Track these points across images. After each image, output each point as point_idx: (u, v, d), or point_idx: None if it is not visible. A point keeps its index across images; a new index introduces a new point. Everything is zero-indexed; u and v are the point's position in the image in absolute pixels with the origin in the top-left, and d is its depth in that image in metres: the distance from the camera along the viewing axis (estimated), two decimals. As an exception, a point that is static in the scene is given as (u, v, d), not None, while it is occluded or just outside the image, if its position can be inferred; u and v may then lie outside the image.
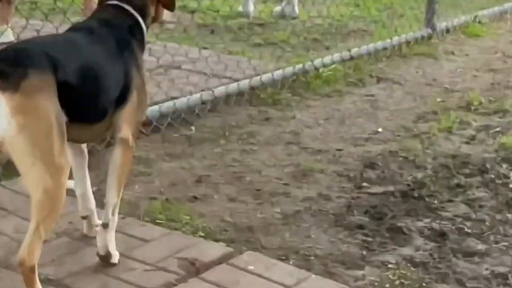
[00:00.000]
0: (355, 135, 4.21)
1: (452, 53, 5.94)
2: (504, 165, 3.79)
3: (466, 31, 6.48)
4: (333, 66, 5.19)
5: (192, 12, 6.39)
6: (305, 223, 3.21)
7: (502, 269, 2.92)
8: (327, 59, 5.23)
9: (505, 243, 3.08)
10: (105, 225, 2.72)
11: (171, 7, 2.82)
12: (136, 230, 3.01)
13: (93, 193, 2.92)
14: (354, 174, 3.68)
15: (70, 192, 3.09)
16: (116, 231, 2.95)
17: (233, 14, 6.55)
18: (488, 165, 3.78)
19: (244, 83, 4.66)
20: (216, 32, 6.04)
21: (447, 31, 6.38)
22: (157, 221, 3.13)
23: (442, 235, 3.14)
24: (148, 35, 2.80)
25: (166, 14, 2.93)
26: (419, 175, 3.66)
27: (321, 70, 5.11)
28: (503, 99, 4.78)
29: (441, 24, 6.30)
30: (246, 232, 3.12)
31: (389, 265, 2.91)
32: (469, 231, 3.17)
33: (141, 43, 2.74)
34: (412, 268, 2.90)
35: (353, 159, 3.86)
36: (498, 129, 4.28)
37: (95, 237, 2.88)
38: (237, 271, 2.78)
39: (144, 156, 3.81)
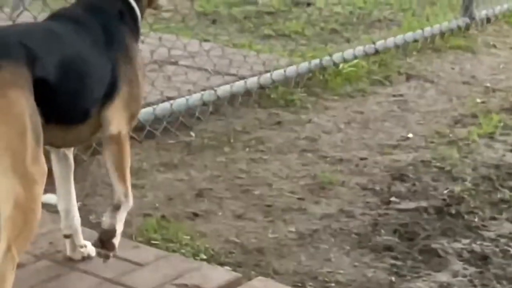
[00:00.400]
0: (382, 141, 4.22)
1: (494, 46, 5.95)
2: (556, 177, 3.80)
3: (510, 21, 6.49)
4: (355, 61, 5.21)
5: (192, -2, 6.43)
6: (324, 244, 3.22)
7: (554, 298, 2.92)
8: (348, 53, 5.24)
9: (558, 268, 3.09)
10: (116, 207, 2.73)
11: None
12: (128, 253, 3.01)
13: (78, 208, 2.93)
14: (381, 187, 3.69)
15: (51, 208, 3.12)
16: (105, 253, 2.97)
17: (239, 1, 6.58)
18: (537, 177, 3.79)
19: (252, 81, 4.68)
20: (219, 22, 6.07)
21: (488, 20, 6.39)
22: (152, 241, 3.14)
23: (484, 259, 3.14)
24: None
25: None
26: (457, 189, 3.67)
27: (341, 66, 5.13)
28: (554, 99, 4.79)
29: (480, 13, 6.31)
30: (256, 254, 3.12)
31: (422, 294, 2.92)
32: (515, 253, 3.18)
33: (135, 30, 2.75)
34: (449, 297, 2.91)
35: (380, 170, 3.87)
36: (548, 134, 4.29)
37: (80, 260, 2.89)
38: (245, 300, 2.79)
39: (136, 166, 3.82)
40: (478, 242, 3.24)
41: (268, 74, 4.77)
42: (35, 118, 2.33)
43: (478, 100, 4.82)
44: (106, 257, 2.75)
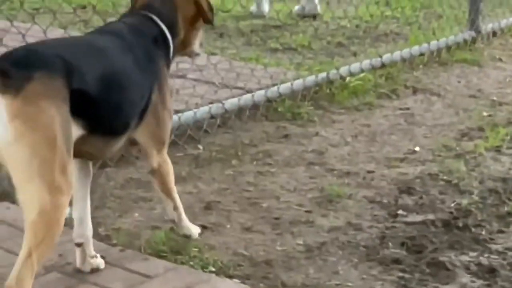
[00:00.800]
0: (389, 155, 4.23)
1: (500, 59, 5.97)
2: (563, 190, 3.80)
3: (516, 34, 6.52)
4: (362, 74, 5.23)
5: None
6: (332, 256, 3.23)
7: (561, 311, 2.92)
8: (354, 66, 5.27)
9: None
10: (173, 221, 3.18)
11: (210, 19, 3.07)
12: (137, 265, 3.03)
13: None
14: (388, 200, 3.70)
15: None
16: (114, 265, 3.00)
17: (246, 15, 6.61)
18: (544, 190, 3.79)
19: (259, 95, 4.70)
20: (226, 36, 6.09)
21: (494, 34, 6.42)
22: (161, 254, 3.15)
23: (491, 271, 3.14)
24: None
25: (198, 46, 3.17)
26: (464, 202, 3.68)
27: (347, 79, 5.15)
28: (560, 113, 4.80)
29: (486, 26, 6.34)
30: (264, 267, 3.13)
31: (430, 306, 2.93)
32: (523, 266, 3.18)
33: (167, 58, 2.92)
34: (457, 310, 2.92)
35: (387, 183, 3.88)
36: (555, 148, 4.30)
37: (89, 273, 2.91)
38: (254, 312, 2.80)
39: (144, 179, 3.84)
40: (486, 255, 3.24)
41: (275, 88, 4.80)
42: (68, 129, 2.40)
43: (485, 114, 4.83)
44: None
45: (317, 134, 4.48)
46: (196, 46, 3.17)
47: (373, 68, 5.36)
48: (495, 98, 5.11)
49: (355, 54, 5.74)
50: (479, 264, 3.18)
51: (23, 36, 3.84)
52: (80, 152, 2.58)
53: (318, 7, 6.81)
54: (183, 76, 4.95)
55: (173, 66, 4.66)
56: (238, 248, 3.25)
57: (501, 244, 3.34)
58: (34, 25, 3.99)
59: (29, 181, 2.32)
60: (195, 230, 3.24)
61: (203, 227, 3.39)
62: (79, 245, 2.93)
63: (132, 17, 2.98)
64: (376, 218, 3.53)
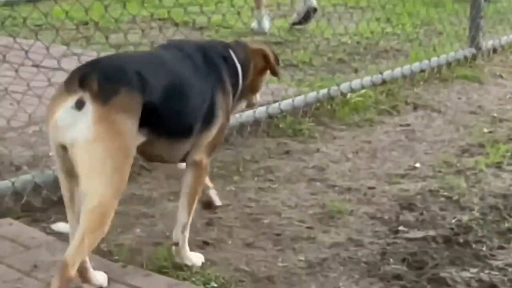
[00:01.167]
0: (389, 171, 4.24)
1: (500, 76, 5.99)
2: None
3: (516, 51, 6.54)
4: (363, 91, 5.25)
5: (201, 28, 6.49)
6: (333, 272, 3.23)
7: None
8: (355, 83, 5.29)
9: None
10: (175, 244, 3.18)
11: (277, 72, 3.44)
12: (139, 280, 3.04)
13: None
14: (389, 216, 3.71)
15: (62, 237, 3.15)
16: (116, 281, 3.00)
17: (247, 31, 6.63)
18: (544, 206, 3.80)
19: (261, 111, 4.71)
20: (227, 52, 6.10)
21: (494, 50, 6.44)
22: (163, 269, 3.16)
23: (492, 287, 3.15)
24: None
25: (259, 95, 3.53)
26: (464, 218, 3.69)
27: (348, 95, 5.17)
28: (561, 129, 4.81)
29: (487, 43, 6.36)
30: (265, 282, 3.14)
31: (431, 322, 2.94)
32: (524, 282, 3.18)
33: (234, 85, 3.24)
34: (458, 326, 2.92)
35: (388, 199, 3.89)
36: (555, 164, 4.31)
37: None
38: (255, 328, 2.81)
39: (146, 195, 3.86)
40: (486, 271, 3.25)
41: (276, 104, 4.81)
42: (134, 138, 2.78)
43: (485, 130, 4.85)
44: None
45: (318, 150, 4.50)
46: (258, 95, 3.52)
47: (374, 85, 5.38)
48: (495, 115, 5.13)
49: (356, 71, 5.76)
50: (479, 280, 3.18)
51: (26, 52, 3.86)
52: (150, 155, 3.05)
53: (266, 24, 6.87)
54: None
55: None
56: (240, 264, 3.26)
57: (502, 260, 3.34)
58: (36, 41, 4.00)
59: (98, 176, 2.68)
60: (196, 259, 3.22)
61: (205, 243, 3.40)
62: None
63: (212, 43, 3.42)
64: (377, 234, 3.54)
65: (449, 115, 5.12)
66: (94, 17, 5.66)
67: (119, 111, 2.70)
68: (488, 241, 3.48)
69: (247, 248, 3.40)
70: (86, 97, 2.67)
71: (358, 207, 3.79)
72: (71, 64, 4.42)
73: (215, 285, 3.07)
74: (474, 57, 6.21)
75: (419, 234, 3.54)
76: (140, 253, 3.29)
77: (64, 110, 2.68)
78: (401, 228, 3.60)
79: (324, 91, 5.07)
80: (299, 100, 4.92)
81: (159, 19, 6.67)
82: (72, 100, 2.68)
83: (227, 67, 3.22)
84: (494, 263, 3.32)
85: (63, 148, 2.71)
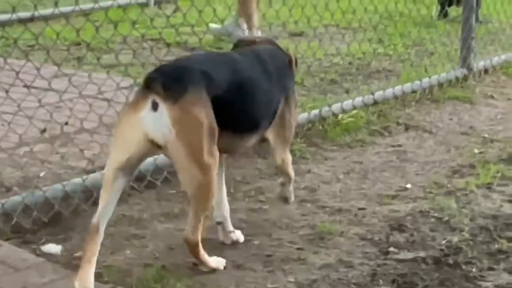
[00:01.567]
0: (380, 192, 4.26)
1: (492, 96, 6.01)
2: (553, 228, 3.82)
3: (507, 72, 6.57)
4: (354, 111, 5.27)
5: (193, 49, 6.51)
6: (323, 294, 3.24)
7: None
8: (347, 103, 5.31)
9: (555, 319, 3.11)
10: (285, 199, 3.83)
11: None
12: (128, 302, 3.04)
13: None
14: (379, 238, 3.72)
15: (53, 258, 3.14)
16: (105, 303, 3.00)
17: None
18: (534, 227, 3.81)
19: (252, 132, 4.71)
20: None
21: (486, 71, 6.47)
22: (152, 291, 3.16)
23: (481, 309, 3.16)
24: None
25: None
26: (455, 239, 3.70)
27: (340, 116, 5.19)
28: (551, 150, 4.83)
29: (478, 64, 6.39)
30: (255, 304, 3.15)
31: None
32: (513, 304, 3.19)
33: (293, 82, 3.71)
34: None
35: (378, 220, 3.90)
36: (545, 185, 4.32)
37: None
38: None
39: (136, 216, 3.86)
40: (476, 293, 3.26)
41: (267, 125, 4.82)
42: (213, 125, 3.12)
43: (476, 151, 4.87)
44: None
45: (309, 171, 4.51)
46: None
47: (365, 105, 5.40)
48: (486, 135, 5.15)
49: (347, 91, 5.78)
50: (469, 302, 3.19)
51: (17, 73, 3.87)
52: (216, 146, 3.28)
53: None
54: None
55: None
56: (230, 286, 3.26)
57: (492, 281, 3.35)
58: (28, 62, 4.01)
59: (188, 167, 3.09)
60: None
61: (195, 265, 3.40)
62: (219, 223, 3.60)
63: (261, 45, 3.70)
64: (367, 255, 3.55)
65: (441, 136, 5.14)
66: (86, 37, 5.69)
67: (190, 107, 3.05)
68: (478, 262, 3.49)
69: (237, 270, 3.40)
70: (157, 99, 3.03)
71: (348, 228, 3.80)
72: (62, 85, 4.46)
73: (205, 307, 3.08)
74: (465, 77, 6.23)
75: (409, 255, 3.55)
76: (130, 275, 3.29)
77: (145, 112, 3.05)
78: (391, 249, 3.61)
79: (315, 111, 5.09)
80: (290, 120, 4.92)
81: (151, 40, 6.70)
82: (148, 102, 3.05)
83: (291, 70, 3.65)
84: (484, 284, 3.33)
85: (151, 142, 3.07)
